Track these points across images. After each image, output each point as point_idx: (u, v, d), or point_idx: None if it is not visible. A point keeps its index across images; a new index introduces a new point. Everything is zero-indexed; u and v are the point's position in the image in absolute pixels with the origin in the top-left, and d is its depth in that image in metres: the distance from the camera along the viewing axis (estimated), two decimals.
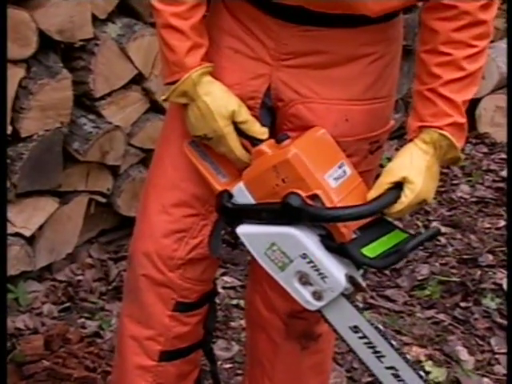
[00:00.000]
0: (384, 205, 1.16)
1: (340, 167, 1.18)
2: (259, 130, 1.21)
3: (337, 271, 1.14)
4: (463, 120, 1.18)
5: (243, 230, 1.19)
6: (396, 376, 1.13)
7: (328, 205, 1.14)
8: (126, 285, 1.41)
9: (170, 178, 1.29)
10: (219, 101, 1.19)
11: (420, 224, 2.51)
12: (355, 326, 1.15)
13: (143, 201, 1.35)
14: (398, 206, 1.17)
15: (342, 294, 1.16)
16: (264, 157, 1.18)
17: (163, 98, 1.23)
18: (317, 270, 1.14)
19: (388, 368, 1.14)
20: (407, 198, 1.17)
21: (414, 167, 1.17)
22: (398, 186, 1.17)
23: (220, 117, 1.19)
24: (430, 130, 1.17)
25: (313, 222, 1.15)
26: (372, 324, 1.15)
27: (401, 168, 1.17)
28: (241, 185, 1.20)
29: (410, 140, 1.20)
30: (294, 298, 1.18)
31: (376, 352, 1.14)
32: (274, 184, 1.16)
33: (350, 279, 1.16)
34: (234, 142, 1.20)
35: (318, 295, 1.16)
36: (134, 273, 1.34)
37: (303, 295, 1.17)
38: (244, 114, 1.20)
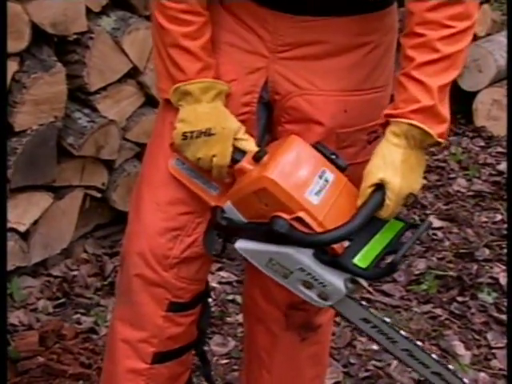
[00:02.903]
0: (370, 214, 1.14)
1: (321, 177, 1.16)
2: (253, 148, 1.20)
3: (336, 280, 1.15)
4: (431, 102, 1.12)
5: (241, 245, 1.19)
6: (412, 356, 1.19)
7: (313, 224, 1.12)
8: (119, 287, 1.39)
9: (164, 175, 1.27)
10: (232, 117, 1.21)
11: (417, 218, 2.51)
12: (365, 318, 1.19)
13: (136, 199, 1.33)
14: (386, 210, 1.15)
15: (346, 295, 1.17)
16: (246, 176, 1.18)
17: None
18: (316, 280, 1.16)
19: (403, 350, 1.19)
20: (391, 200, 1.15)
21: (388, 166, 1.14)
22: (381, 187, 1.15)
23: (231, 120, 1.20)
24: (398, 121, 1.14)
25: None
26: (379, 318, 1.18)
27: (376, 170, 1.15)
28: (229, 204, 1.19)
29: (381, 126, 1.17)
30: (303, 298, 1.20)
31: (389, 338, 1.18)
32: (258, 207, 1.16)
33: (351, 280, 1.16)
34: (230, 148, 1.20)
35: (323, 296, 1.17)
36: (127, 273, 1.32)
37: (311, 297, 1.19)
38: (246, 134, 1.21)
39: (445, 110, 1.15)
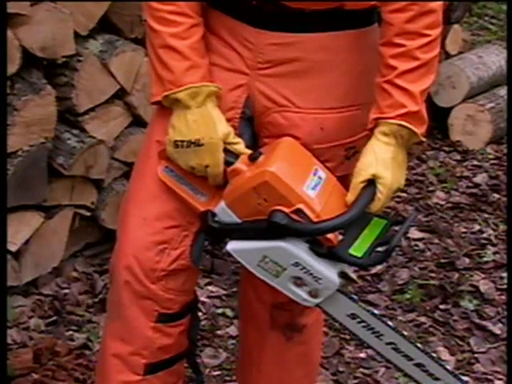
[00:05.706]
0: (364, 206, 1.20)
1: (315, 174, 1.21)
2: (246, 151, 1.24)
3: (330, 273, 1.19)
4: (416, 108, 1.20)
5: (233, 246, 1.22)
6: (396, 349, 1.22)
7: (311, 216, 1.17)
8: (109, 304, 1.41)
9: (151, 191, 1.31)
10: (221, 120, 1.23)
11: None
12: (352, 314, 1.22)
13: (123, 217, 1.36)
14: (376, 204, 1.22)
15: (337, 289, 1.21)
16: (241, 176, 1.21)
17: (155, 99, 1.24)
18: (310, 275, 1.19)
19: (388, 344, 1.22)
20: (382, 194, 1.21)
21: (379, 162, 1.20)
22: (372, 183, 1.21)
23: (221, 129, 1.23)
24: (387, 122, 1.20)
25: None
26: (368, 310, 1.22)
27: (368, 166, 1.21)
28: (223, 205, 1.22)
29: (370, 130, 1.23)
30: (291, 297, 1.23)
31: (375, 332, 1.21)
32: (256, 203, 1.19)
33: (342, 274, 1.21)
34: (222, 156, 1.23)
35: (314, 293, 1.21)
36: (116, 288, 1.35)
37: (300, 295, 1.22)
38: (236, 137, 1.25)
39: (425, 113, 1.23)
